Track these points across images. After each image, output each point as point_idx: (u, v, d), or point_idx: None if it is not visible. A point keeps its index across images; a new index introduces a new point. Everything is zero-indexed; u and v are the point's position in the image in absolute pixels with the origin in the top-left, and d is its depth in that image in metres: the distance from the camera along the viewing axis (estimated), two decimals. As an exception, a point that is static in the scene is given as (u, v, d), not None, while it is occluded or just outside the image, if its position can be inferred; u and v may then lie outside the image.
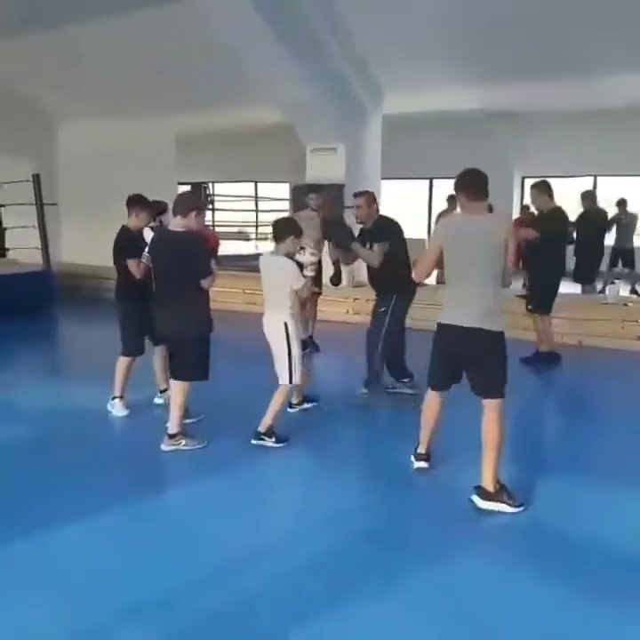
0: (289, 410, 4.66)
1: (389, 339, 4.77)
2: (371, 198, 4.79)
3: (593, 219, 8.60)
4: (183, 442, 4.15)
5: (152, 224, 4.90)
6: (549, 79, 7.89)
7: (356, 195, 4.85)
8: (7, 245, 10.43)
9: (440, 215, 10.55)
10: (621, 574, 2.81)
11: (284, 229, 4.22)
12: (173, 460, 4.09)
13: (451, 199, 10.94)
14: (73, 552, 3.00)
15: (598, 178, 13.98)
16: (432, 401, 3.66)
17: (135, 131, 10.50)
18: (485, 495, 3.33)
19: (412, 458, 3.80)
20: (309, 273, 4.32)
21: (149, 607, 2.59)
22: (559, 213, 6.12)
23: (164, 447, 4.14)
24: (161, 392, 4.97)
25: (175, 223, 4.04)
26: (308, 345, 6.54)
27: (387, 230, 4.70)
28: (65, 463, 4.03)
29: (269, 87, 7.97)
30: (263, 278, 4.29)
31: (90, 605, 2.59)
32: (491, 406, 3.36)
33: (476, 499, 3.35)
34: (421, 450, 3.79)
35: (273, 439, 4.16)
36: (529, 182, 14.15)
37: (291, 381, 4.18)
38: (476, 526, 3.27)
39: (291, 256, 4.18)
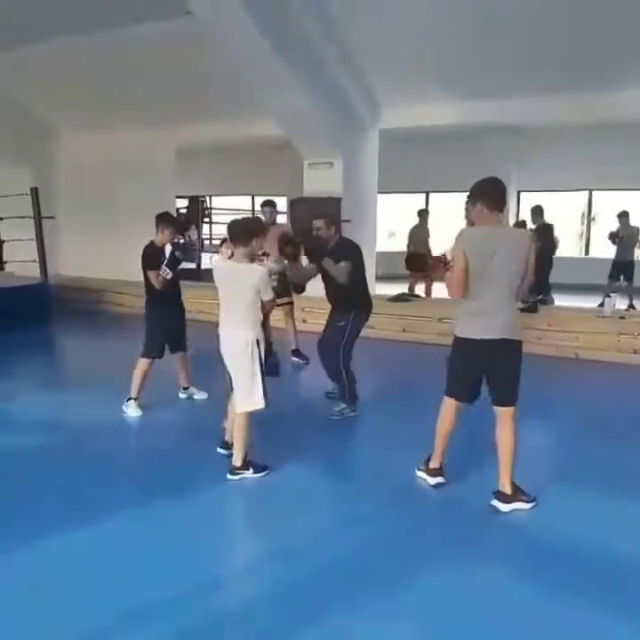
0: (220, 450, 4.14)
1: (348, 352, 4.97)
2: (328, 221, 5.05)
3: (544, 232, 8.77)
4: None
5: (177, 239, 5.40)
6: (546, 94, 7.98)
7: (316, 217, 5.09)
8: (5, 258, 10.43)
9: (412, 230, 10.62)
10: (628, 581, 2.82)
11: (244, 229, 3.72)
12: (177, 467, 4.10)
13: (422, 213, 11.02)
14: (76, 556, 3.00)
15: (594, 192, 14.09)
16: (450, 412, 3.62)
17: (135, 144, 10.56)
18: (505, 498, 3.44)
19: (423, 474, 3.75)
20: (272, 282, 3.90)
21: (154, 611, 2.59)
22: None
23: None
24: (184, 389, 5.40)
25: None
26: (296, 357, 6.61)
27: (349, 251, 4.95)
28: (67, 470, 4.02)
29: (268, 101, 8.04)
30: (221, 289, 3.80)
31: (94, 609, 2.59)
32: (507, 413, 3.44)
33: (496, 503, 3.44)
34: (435, 464, 3.72)
35: (250, 470, 3.80)
36: (525, 196, 14.30)
37: (266, 405, 3.74)
38: (485, 532, 3.30)
39: (252, 261, 3.75)
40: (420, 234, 10.53)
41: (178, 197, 12.00)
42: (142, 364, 4.97)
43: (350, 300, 4.98)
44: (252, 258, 3.78)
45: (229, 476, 3.80)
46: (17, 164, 10.46)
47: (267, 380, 3.79)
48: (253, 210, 17.57)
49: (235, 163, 15.07)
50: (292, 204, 9.41)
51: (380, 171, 9.47)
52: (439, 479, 3.71)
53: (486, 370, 3.47)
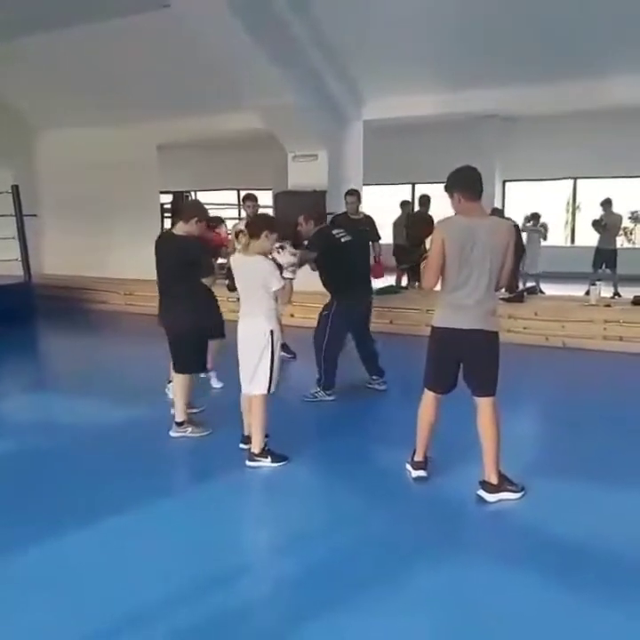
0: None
1: (333, 340, 5.12)
2: (306, 216, 5.25)
3: (422, 220, 8.78)
4: (190, 429, 4.42)
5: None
6: (530, 83, 7.96)
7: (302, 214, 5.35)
8: (-13, 257, 10.30)
9: (395, 223, 10.59)
10: (624, 576, 2.81)
11: (257, 225, 3.95)
12: (172, 464, 4.14)
13: (404, 205, 10.98)
14: (77, 557, 2.98)
15: (578, 180, 14.14)
16: (429, 404, 3.62)
17: (116, 140, 10.44)
18: (491, 488, 3.44)
19: (409, 466, 3.76)
20: (289, 275, 3.95)
21: (153, 610, 2.58)
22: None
23: (172, 433, 4.41)
24: (169, 382, 5.20)
25: (178, 228, 4.42)
26: (284, 351, 6.60)
27: (313, 239, 5.14)
28: (64, 472, 3.99)
29: (250, 94, 7.96)
30: (237, 280, 4.01)
31: (97, 609, 2.59)
32: (486, 403, 3.44)
33: (482, 493, 3.45)
34: (419, 457, 3.72)
35: (268, 459, 3.92)
36: (510, 186, 14.32)
37: (269, 390, 3.92)
38: (477, 526, 3.32)
39: (266, 255, 3.89)
40: (401, 226, 10.47)
41: (162, 193, 11.89)
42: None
43: (331, 290, 5.16)
44: (265, 251, 3.89)
45: (248, 463, 3.93)
46: (-3, 161, 10.32)
47: (279, 370, 3.94)
48: (239, 204, 17.50)
49: (219, 157, 14.97)
50: (276, 197, 9.35)
51: (365, 163, 9.43)
52: (420, 472, 3.70)
53: (460, 360, 3.46)
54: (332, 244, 5.10)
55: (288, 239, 4.96)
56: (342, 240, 5.16)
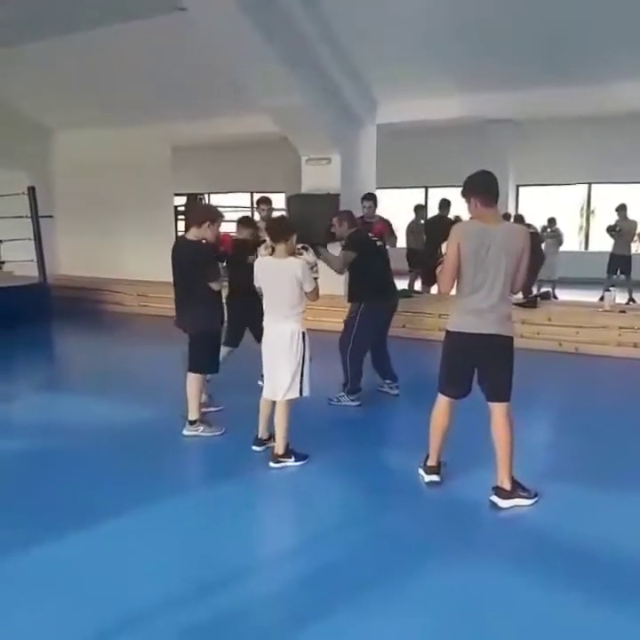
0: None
1: (359, 343, 5.13)
2: (339, 219, 5.32)
3: (440, 225, 8.57)
4: (202, 428, 4.49)
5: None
6: (545, 87, 7.93)
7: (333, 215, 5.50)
8: (3, 258, 10.41)
9: (409, 227, 10.55)
10: (633, 581, 2.80)
11: (285, 228, 3.95)
12: (179, 466, 4.16)
13: (418, 209, 10.94)
14: (78, 557, 2.99)
15: (592, 186, 14.06)
16: (442, 408, 3.60)
17: (131, 141, 10.52)
18: (504, 494, 3.43)
19: (422, 471, 3.75)
20: (315, 274, 4.00)
21: (154, 610, 2.59)
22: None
23: (185, 432, 4.46)
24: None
25: (191, 233, 4.47)
26: None
27: (349, 242, 5.18)
28: (71, 471, 4.01)
29: (263, 97, 7.99)
30: (265, 285, 3.98)
31: (94, 609, 2.59)
32: (500, 409, 3.43)
33: (495, 499, 3.44)
34: (432, 462, 3.71)
35: (292, 459, 3.99)
36: (524, 190, 14.27)
37: (301, 394, 3.92)
38: (488, 531, 3.31)
39: (294, 256, 3.93)
40: (414, 230, 10.45)
41: (176, 195, 11.97)
42: (223, 350, 5.08)
43: (358, 292, 5.20)
44: (292, 253, 3.93)
45: (272, 464, 3.98)
46: (13, 164, 10.41)
47: (310, 371, 3.97)
48: (252, 207, 17.57)
49: (233, 160, 15.04)
50: (289, 200, 9.37)
51: (378, 166, 9.44)
52: (433, 477, 3.69)
53: (475, 365, 3.46)
54: (369, 246, 5.20)
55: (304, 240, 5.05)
56: (377, 243, 5.30)
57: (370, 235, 5.35)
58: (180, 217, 11.81)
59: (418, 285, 10.01)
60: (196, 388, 4.51)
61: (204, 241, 4.46)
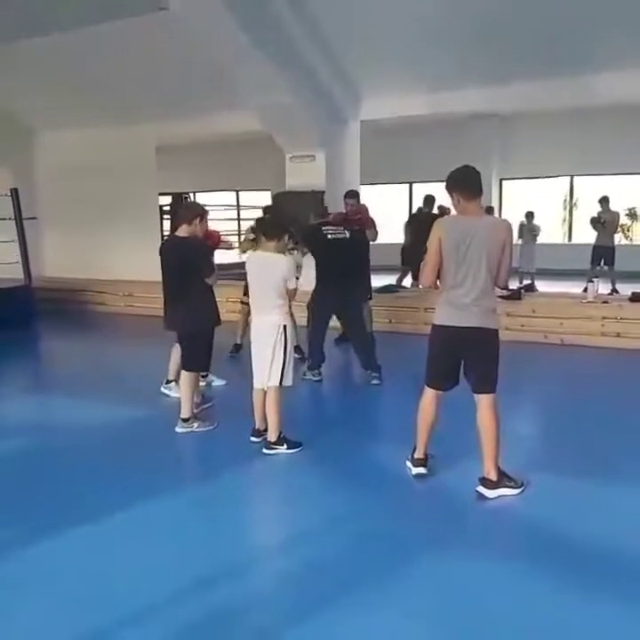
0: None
1: (313, 325, 5.77)
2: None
3: (429, 221, 8.64)
4: (196, 425, 4.54)
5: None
6: (525, 81, 7.99)
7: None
8: (-13, 260, 10.33)
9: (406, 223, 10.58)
10: (623, 572, 2.82)
11: (278, 226, 4.10)
12: (172, 463, 4.19)
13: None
14: (76, 557, 3.00)
15: (575, 178, 14.18)
16: (429, 401, 3.64)
17: (115, 141, 10.46)
18: (490, 484, 3.47)
19: (409, 463, 3.78)
20: (297, 274, 4.22)
21: (151, 608, 2.60)
22: None
23: (178, 429, 4.50)
24: (167, 382, 5.36)
25: (182, 230, 4.54)
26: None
27: (304, 237, 5.69)
28: (65, 471, 4.02)
29: (247, 95, 8.00)
30: (252, 279, 4.16)
31: (95, 607, 2.61)
32: (485, 400, 3.47)
33: (482, 489, 3.48)
34: (419, 454, 3.74)
35: (285, 446, 4.11)
36: (507, 184, 14.37)
37: (281, 383, 4.08)
38: (477, 523, 3.33)
39: (284, 254, 4.09)
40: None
41: (161, 194, 11.92)
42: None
43: (315, 280, 5.78)
44: (282, 251, 4.09)
45: (265, 451, 4.11)
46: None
47: (292, 363, 4.14)
48: (238, 205, 17.53)
49: (218, 158, 15.02)
50: (274, 198, 9.38)
51: (362, 162, 9.47)
52: (420, 469, 3.72)
53: (461, 357, 3.50)
54: (318, 239, 5.64)
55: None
56: (329, 237, 5.62)
57: (323, 229, 5.68)
58: (165, 216, 11.77)
59: (408, 281, 10.01)
60: (189, 386, 4.54)
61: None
